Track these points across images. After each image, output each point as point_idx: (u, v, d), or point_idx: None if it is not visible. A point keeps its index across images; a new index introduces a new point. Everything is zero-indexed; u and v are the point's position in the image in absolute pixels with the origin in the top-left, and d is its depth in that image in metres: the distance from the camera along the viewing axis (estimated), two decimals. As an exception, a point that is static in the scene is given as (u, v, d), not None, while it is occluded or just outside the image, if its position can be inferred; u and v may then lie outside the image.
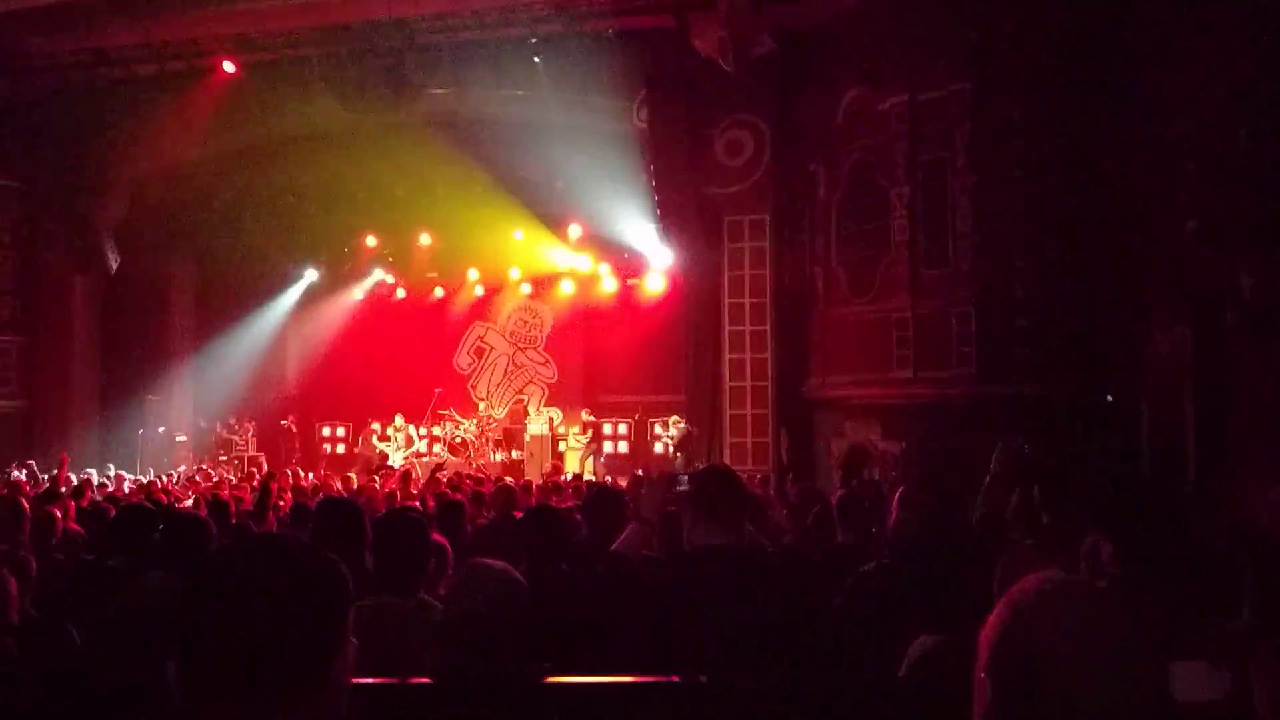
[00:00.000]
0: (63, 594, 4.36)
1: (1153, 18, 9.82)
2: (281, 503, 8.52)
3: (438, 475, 11.75)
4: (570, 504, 8.05)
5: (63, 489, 9.34)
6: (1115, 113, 10.46)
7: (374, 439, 18.97)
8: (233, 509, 7.17)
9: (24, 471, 13.03)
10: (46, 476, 11.63)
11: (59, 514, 5.85)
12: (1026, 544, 4.53)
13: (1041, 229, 11.15)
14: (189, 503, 9.23)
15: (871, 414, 12.88)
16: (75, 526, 6.69)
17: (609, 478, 14.95)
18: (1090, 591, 1.49)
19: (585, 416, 18.94)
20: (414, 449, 18.92)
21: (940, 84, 11.86)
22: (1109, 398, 10.34)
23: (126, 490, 11.21)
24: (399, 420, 19.12)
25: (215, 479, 13.67)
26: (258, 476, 14.94)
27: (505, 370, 21.47)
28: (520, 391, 21.06)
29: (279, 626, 1.35)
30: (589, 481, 12.38)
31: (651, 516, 5.61)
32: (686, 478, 8.57)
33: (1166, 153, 9.67)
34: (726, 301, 14.89)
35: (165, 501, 8.67)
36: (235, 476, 15.15)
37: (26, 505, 4.76)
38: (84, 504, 8.02)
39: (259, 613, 1.35)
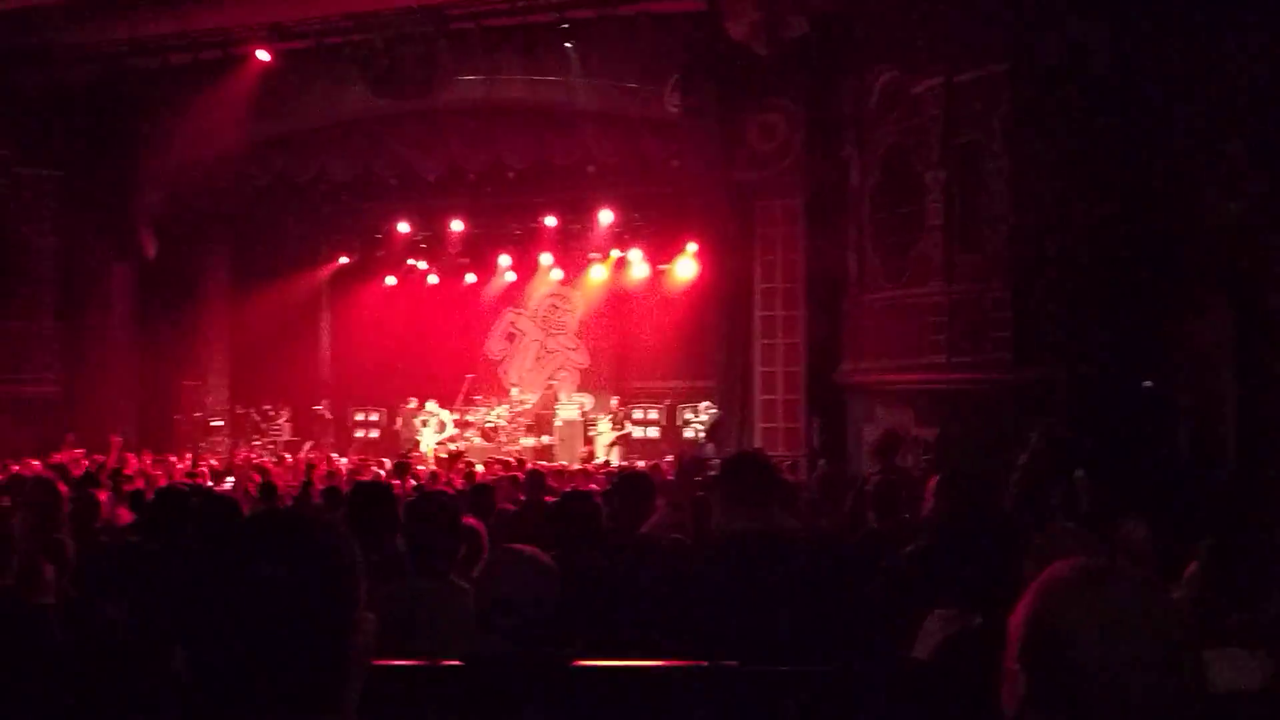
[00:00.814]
0: (101, 576, 4.43)
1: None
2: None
3: (462, 463, 11.82)
4: (595, 488, 8.04)
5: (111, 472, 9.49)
6: (1157, 93, 10.26)
7: (415, 420, 19.05)
8: (281, 489, 7.26)
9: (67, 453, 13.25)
10: (86, 460, 11.81)
11: (103, 497, 5.94)
12: (1062, 527, 4.48)
13: (1079, 212, 10.98)
14: (229, 485, 9.36)
15: (905, 399, 12.78)
16: (123, 510, 6.79)
17: (641, 462, 14.96)
18: (1123, 577, 1.46)
19: (613, 404, 18.88)
20: (446, 434, 19.01)
21: (976, 66, 11.68)
22: (1147, 383, 10.20)
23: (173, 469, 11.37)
24: (431, 405, 19.21)
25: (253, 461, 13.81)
26: (289, 460, 15.12)
27: (536, 356, 21.52)
28: (551, 377, 21.07)
29: (273, 599, 1.31)
30: (619, 466, 12.40)
31: (681, 500, 5.61)
32: (717, 462, 8.54)
33: (1210, 134, 9.48)
34: (759, 286, 14.81)
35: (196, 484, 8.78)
36: (272, 460, 15.31)
37: (64, 488, 4.83)
38: (126, 488, 8.14)
39: (252, 588, 1.31)
